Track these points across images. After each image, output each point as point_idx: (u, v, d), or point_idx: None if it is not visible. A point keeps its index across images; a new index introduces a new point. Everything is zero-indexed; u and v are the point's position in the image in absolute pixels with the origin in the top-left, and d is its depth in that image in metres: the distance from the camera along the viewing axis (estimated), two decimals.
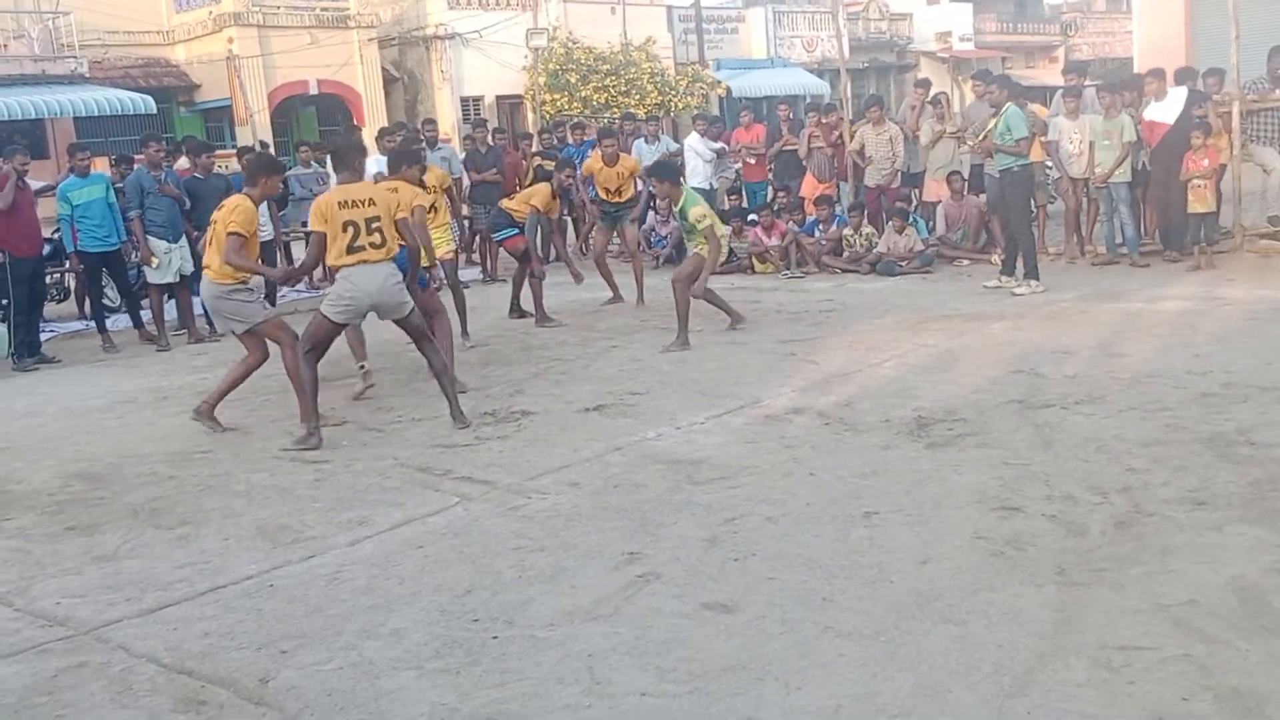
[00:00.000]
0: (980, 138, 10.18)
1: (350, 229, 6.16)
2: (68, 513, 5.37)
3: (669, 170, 9.16)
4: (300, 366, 6.34)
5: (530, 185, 10.94)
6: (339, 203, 6.21)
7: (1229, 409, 5.68)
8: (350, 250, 6.18)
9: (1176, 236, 10.62)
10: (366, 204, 6.22)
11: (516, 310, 10.07)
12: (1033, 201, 11.49)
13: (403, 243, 6.59)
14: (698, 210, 8.42)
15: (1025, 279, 9.69)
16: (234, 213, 6.42)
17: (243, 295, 6.64)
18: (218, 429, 6.71)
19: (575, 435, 6.10)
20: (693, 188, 13.63)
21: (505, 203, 10.18)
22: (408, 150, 8.18)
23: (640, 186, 11.80)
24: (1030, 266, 9.72)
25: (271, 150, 18.97)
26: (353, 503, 5.21)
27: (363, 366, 7.46)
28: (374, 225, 6.20)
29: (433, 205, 8.26)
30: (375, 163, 12.12)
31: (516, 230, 9.50)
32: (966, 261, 11.58)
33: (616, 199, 10.73)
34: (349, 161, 6.53)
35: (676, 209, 8.71)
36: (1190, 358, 6.81)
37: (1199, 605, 3.54)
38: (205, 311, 10.66)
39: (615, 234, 11.21)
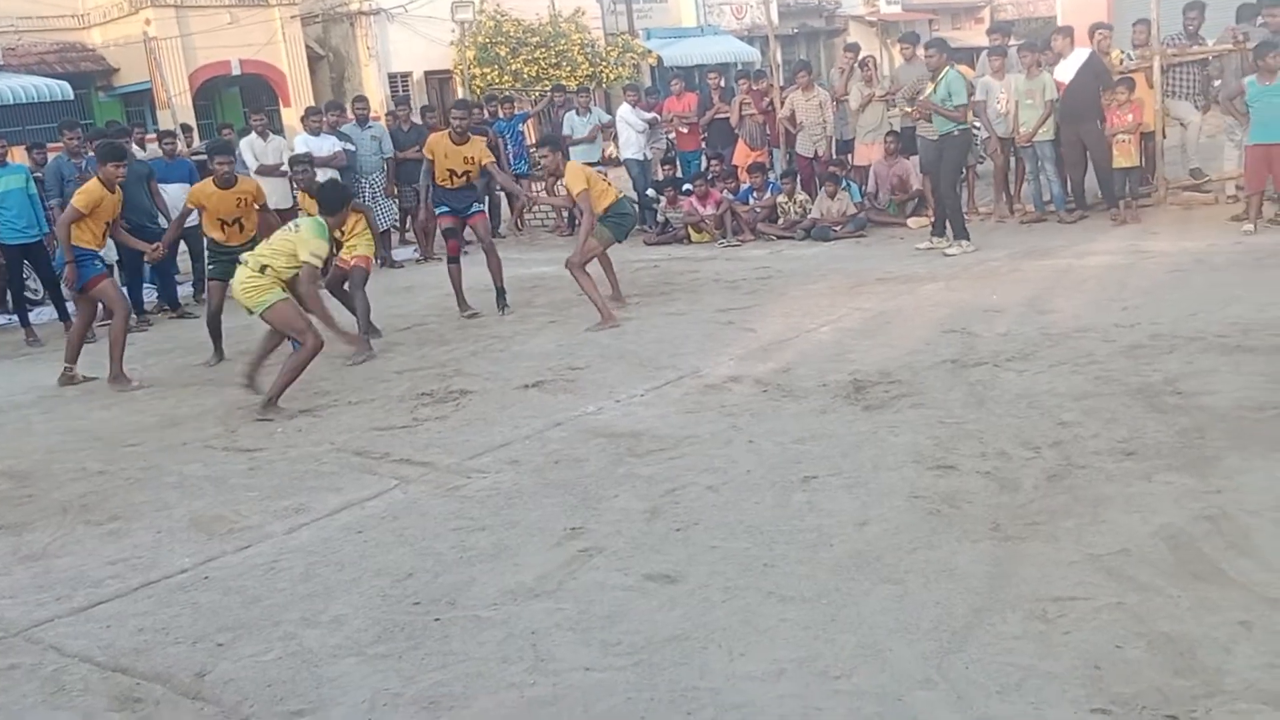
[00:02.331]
0: (921, 98, 10.17)
1: None
2: None
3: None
4: None
5: None
6: None
7: (1156, 360, 5.79)
8: None
9: (1097, 191, 10.81)
10: None
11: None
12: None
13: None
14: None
15: (955, 239, 9.79)
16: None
17: None
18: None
19: (514, 413, 6.07)
20: (626, 158, 13.70)
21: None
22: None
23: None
24: (958, 227, 9.81)
25: (195, 134, 18.49)
26: (289, 490, 5.13)
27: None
28: None
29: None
30: (303, 141, 11.95)
31: (446, 209, 9.35)
32: (927, 220, 11.56)
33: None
34: None
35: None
36: (1118, 311, 6.92)
37: (1130, 554, 3.61)
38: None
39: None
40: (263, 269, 6.54)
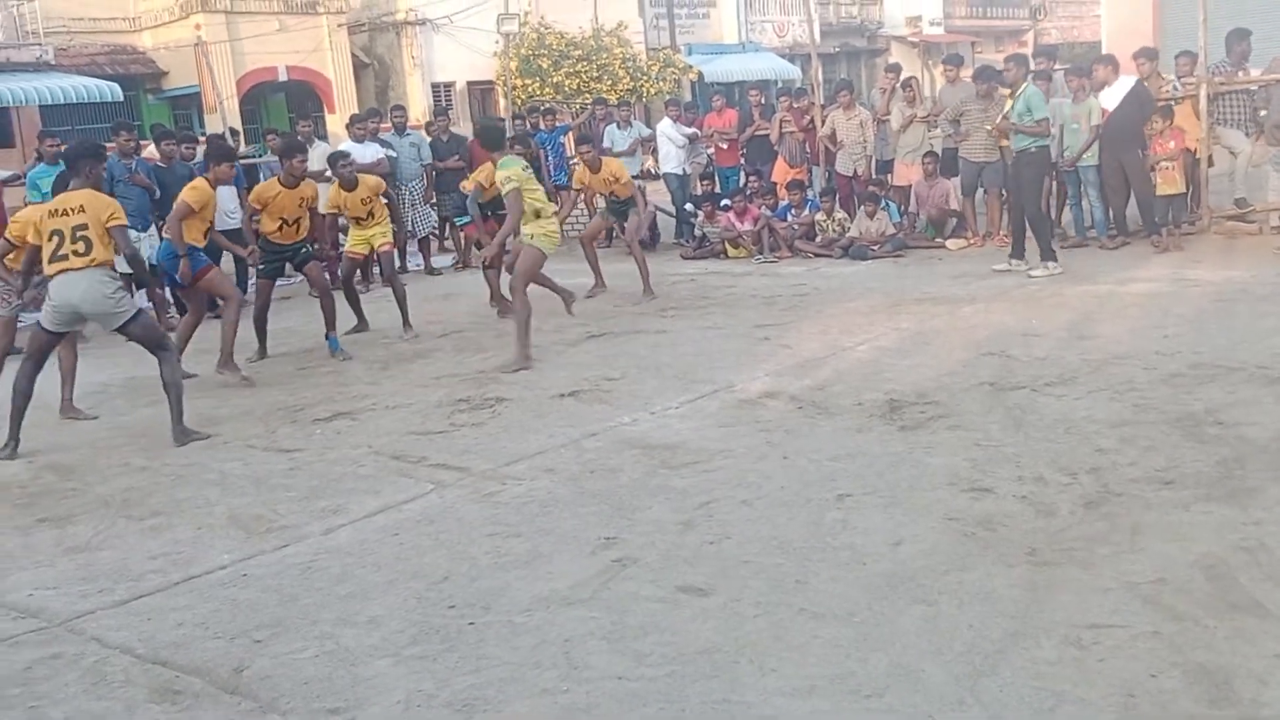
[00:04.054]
0: (999, 118, 10.10)
1: (56, 238, 6.11)
2: (40, 505, 5.34)
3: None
4: (17, 375, 6.32)
5: None
6: (49, 211, 6.19)
7: (1197, 389, 5.74)
8: (54, 259, 6.12)
9: (1138, 218, 10.71)
10: (76, 211, 6.13)
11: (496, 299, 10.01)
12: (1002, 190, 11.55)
13: (165, 236, 7.35)
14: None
15: (1042, 261, 9.54)
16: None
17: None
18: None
19: (550, 421, 6.10)
20: (666, 173, 13.75)
21: (463, 184, 10.31)
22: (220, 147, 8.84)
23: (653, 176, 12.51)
24: (1045, 248, 9.57)
25: (242, 138, 18.73)
26: (327, 491, 5.19)
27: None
28: (80, 234, 6.09)
29: (370, 212, 9.15)
30: (348, 147, 12.08)
31: (467, 219, 9.57)
32: (966, 241, 11.50)
33: (616, 199, 10.53)
34: (80, 168, 6.37)
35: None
36: (1159, 339, 6.87)
37: (1167, 583, 3.59)
38: (176, 300, 10.70)
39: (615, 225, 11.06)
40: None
